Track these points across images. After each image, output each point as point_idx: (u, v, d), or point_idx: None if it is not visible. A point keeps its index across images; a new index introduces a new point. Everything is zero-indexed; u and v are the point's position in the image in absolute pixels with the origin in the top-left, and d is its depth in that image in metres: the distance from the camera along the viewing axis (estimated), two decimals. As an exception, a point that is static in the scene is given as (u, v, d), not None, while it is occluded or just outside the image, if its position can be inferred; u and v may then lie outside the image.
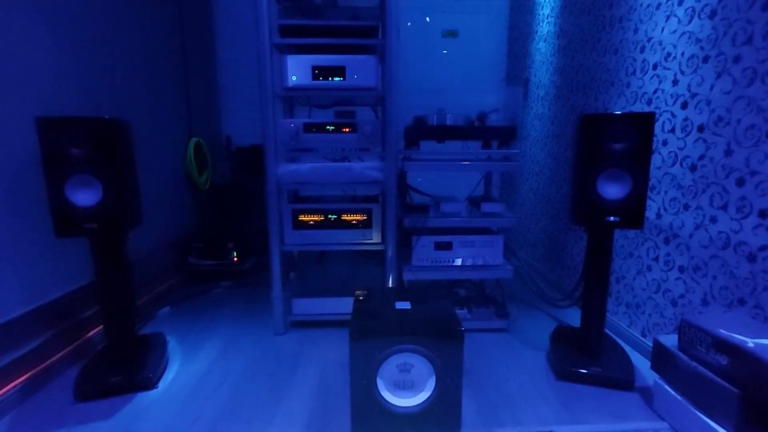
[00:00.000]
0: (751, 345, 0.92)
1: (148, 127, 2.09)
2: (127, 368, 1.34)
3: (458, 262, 1.69)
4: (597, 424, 1.12)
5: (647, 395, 1.24)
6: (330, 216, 1.66)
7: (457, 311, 1.72)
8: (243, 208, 2.72)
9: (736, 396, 0.92)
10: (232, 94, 2.95)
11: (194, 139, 2.53)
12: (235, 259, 2.41)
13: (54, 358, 1.42)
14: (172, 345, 1.61)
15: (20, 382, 1.28)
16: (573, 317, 1.84)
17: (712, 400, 0.99)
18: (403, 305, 1.14)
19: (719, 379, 0.96)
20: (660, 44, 1.40)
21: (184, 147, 2.49)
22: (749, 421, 0.93)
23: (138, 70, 1.99)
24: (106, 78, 1.74)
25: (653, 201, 1.44)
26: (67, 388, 1.32)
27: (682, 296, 1.32)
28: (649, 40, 1.45)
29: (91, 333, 1.61)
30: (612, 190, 1.21)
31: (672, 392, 1.11)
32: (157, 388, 1.34)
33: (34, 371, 1.33)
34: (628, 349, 1.54)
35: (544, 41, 2.32)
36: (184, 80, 2.51)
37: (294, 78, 1.55)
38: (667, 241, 1.38)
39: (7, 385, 1.25)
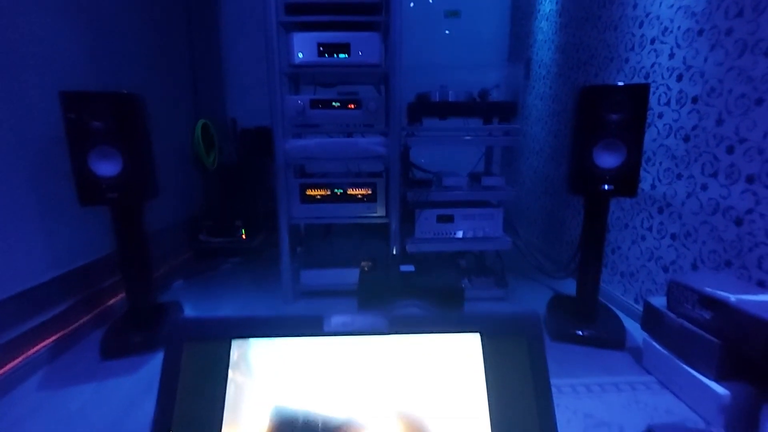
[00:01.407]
0: (733, 299, 0.98)
1: (158, 108, 2.15)
2: (149, 329, 1.42)
3: (459, 234, 1.76)
4: (588, 377, 1.20)
5: (637, 354, 1.32)
6: (336, 190, 1.72)
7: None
8: (249, 187, 2.79)
9: (717, 346, 1.00)
10: (238, 76, 2.99)
11: (201, 121, 2.58)
12: (244, 236, 2.49)
13: (79, 322, 1.51)
14: (188, 312, 1.70)
15: (50, 342, 1.37)
16: (570, 288, 1.91)
17: (695, 352, 1.06)
18: (407, 268, 1.21)
19: (702, 332, 1.03)
20: (658, 19, 1.43)
21: (192, 128, 2.55)
22: (729, 370, 1.00)
23: (147, 53, 2.04)
24: (117, 59, 1.79)
25: (648, 172, 1.49)
26: (92, 349, 1.41)
27: (673, 262, 1.38)
28: (647, 15, 1.49)
29: (111, 301, 1.69)
30: (608, 159, 1.26)
31: (659, 348, 1.18)
32: (176, 349, 1.43)
33: (62, 333, 1.42)
34: (621, 315, 1.61)
35: (546, 20, 2.34)
36: (191, 63, 2.55)
37: (300, 55, 1.60)
38: (660, 211, 1.44)
39: (39, 344, 1.34)
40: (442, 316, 0.35)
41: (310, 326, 0.36)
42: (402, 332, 0.35)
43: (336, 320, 0.35)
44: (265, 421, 0.32)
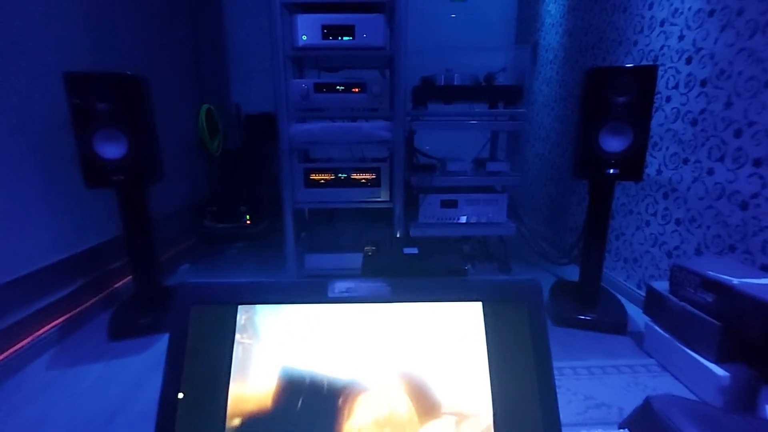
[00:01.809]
0: (735, 282, 0.99)
1: (162, 93, 2.14)
2: (156, 312, 1.44)
3: (463, 219, 1.76)
4: (589, 361, 1.21)
5: (638, 338, 1.32)
6: (340, 175, 1.73)
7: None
8: (254, 173, 2.80)
9: (718, 329, 1.00)
10: (241, 62, 2.97)
11: (205, 106, 2.58)
12: (248, 222, 2.50)
13: (86, 304, 1.53)
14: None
15: (58, 323, 1.40)
16: (573, 274, 1.91)
17: (696, 334, 1.06)
18: (411, 250, 1.22)
19: (703, 315, 1.04)
20: None
21: (196, 114, 2.54)
22: (729, 352, 1.01)
23: (150, 37, 2.02)
24: (120, 43, 1.79)
25: (654, 158, 1.48)
26: (100, 330, 1.44)
27: (677, 248, 1.38)
28: (657, -3, 1.46)
29: (118, 284, 1.72)
30: (614, 143, 1.25)
31: (661, 332, 1.19)
32: (182, 330, 1.45)
33: (69, 314, 1.45)
34: (624, 301, 1.61)
35: (554, 2, 2.30)
36: (194, 48, 2.54)
37: (304, 37, 1.59)
38: (666, 196, 1.43)
39: (48, 324, 1.37)
40: (445, 283, 0.36)
41: (315, 293, 0.37)
42: (406, 300, 0.36)
43: (340, 286, 0.36)
44: (273, 381, 0.32)
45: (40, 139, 1.36)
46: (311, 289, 0.36)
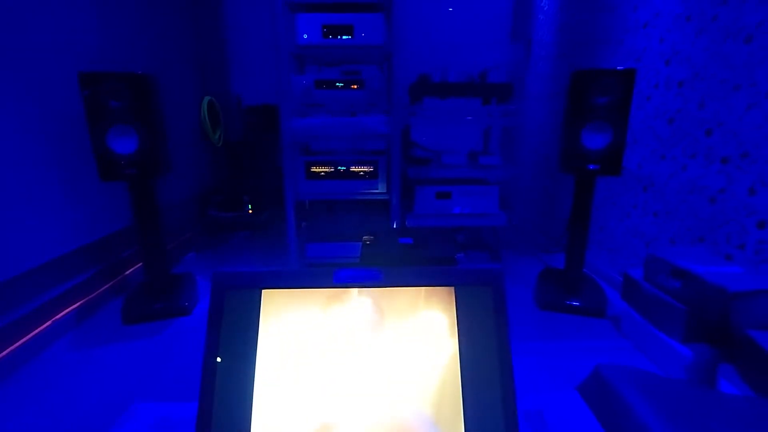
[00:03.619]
0: (699, 270, 1.08)
1: (165, 85, 2.20)
2: (166, 298, 1.54)
3: (457, 210, 1.85)
4: (569, 341, 1.32)
5: (617, 322, 1.43)
6: (339, 168, 1.81)
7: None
8: (255, 164, 2.87)
9: (683, 312, 1.10)
10: (242, 54, 3.01)
11: (207, 98, 2.63)
12: (250, 211, 2.59)
13: (100, 290, 1.63)
14: (200, 282, 1.81)
15: (75, 308, 1.49)
16: (561, 262, 2.02)
17: (665, 318, 1.17)
18: (406, 240, 1.31)
19: (672, 300, 1.14)
20: (650, 3, 1.47)
21: (198, 105, 2.60)
22: (693, 333, 1.11)
23: (153, 29, 2.08)
24: (124, 36, 1.84)
25: (635, 153, 1.57)
26: (113, 315, 1.53)
27: (655, 238, 1.48)
28: (642, -1, 1.53)
29: (128, 271, 1.81)
30: (595, 140, 1.34)
31: (636, 316, 1.29)
32: (192, 314, 1.55)
33: (85, 299, 1.54)
34: (606, 287, 1.72)
35: (548, 0, 2.36)
36: (196, 39, 2.59)
37: (305, 36, 1.65)
38: (645, 190, 1.52)
39: (66, 309, 1.46)
40: (426, 271, 0.46)
41: (322, 279, 0.46)
42: (394, 285, 0.46)
43: (343, 273, 0.45)
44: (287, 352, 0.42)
45: (58, 136, 1.44)
46: (319, 277, 0.45)
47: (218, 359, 0.43)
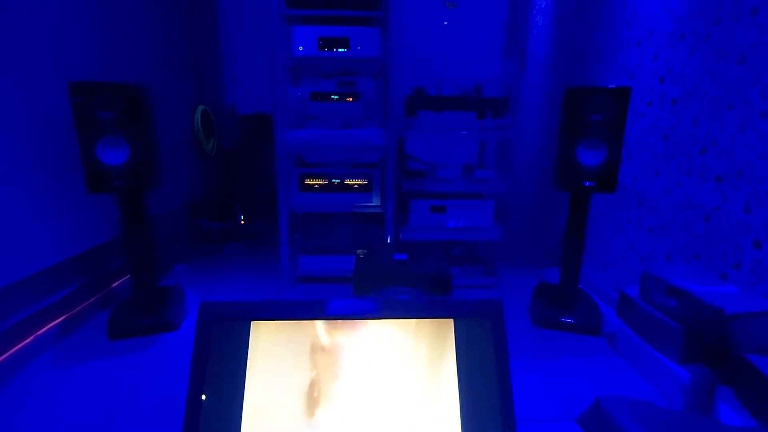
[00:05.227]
0: (695, 290, 1.08)
1: (158, 94, 2.18)
2: (153, 313, 1.50)
3: (451, 224, 1.84)
4: (566, 358, 1.30)
5: (612, 339, 1.42)
6: (334, 180, 1.79)
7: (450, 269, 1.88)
8: (248, 173, 2.84)
9: (680, 332, 1.09)
10: (236, 63, 3.00)
11: (201, 107, 2.61)
12: (243, 221, 2.55)
13: (84, 305, 1.58)
14: (189, 295, 1.77)
15: (57, 323, 1.44)
16: (556, 277, 2.01)
17: (661, 337, 1.16)
18: (401, 256, 1.29)
19: (668, 319, 1.13)
20: (644, 20, 1.49)
21: (192, 114, 2.58)
22: (690, 354, 1.10)
23: (147, 38, 2.06)
24: (118, 46, 1.82)
25: (630, 168, 1.57)
26: (98, 330, 1.49)
27: (649, 253, 1.48)
28: (635, 16, 1.54)
29: (114, 284, 1.77)
30: (590, 157, 1.34)
31: (631, 334, 1.28)
32: (179, 330, 1.51)
33: (68, 314, 1.49)
34: (601, 303, 1.71)
35: (542, 14, 2.38)
36: (190, 49, 2.57)
37: (301, 48, 1.64)
38: (640, 205, 1.52)
39: (46, 324, 1.41)
40: (424, 302, 0.44)
41: (314, 310, 0.44)
42: (391, 317, 0.44)
43: (336, 304, 0.43)
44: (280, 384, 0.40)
45: (43, 145, 1.41)
46: (310, 308, 0.43)
47: (203, 397, 0.40)
